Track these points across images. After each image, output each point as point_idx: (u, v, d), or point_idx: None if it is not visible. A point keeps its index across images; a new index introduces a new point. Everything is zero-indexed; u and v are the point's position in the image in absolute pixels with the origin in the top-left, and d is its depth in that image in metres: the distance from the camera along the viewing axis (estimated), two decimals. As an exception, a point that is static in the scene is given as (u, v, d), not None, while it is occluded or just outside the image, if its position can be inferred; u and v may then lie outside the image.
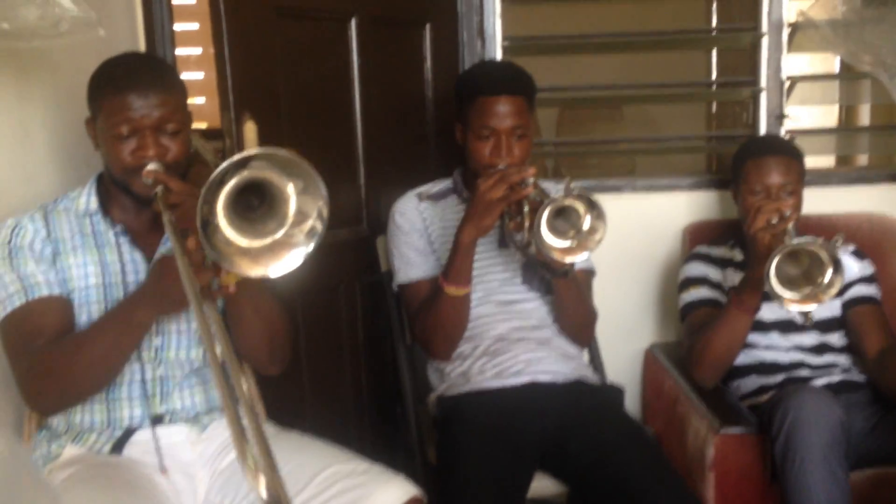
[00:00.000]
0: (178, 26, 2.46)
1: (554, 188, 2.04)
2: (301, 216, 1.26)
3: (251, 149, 1.19)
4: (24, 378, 1.48)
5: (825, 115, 4.62)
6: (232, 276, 1.45)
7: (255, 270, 1.25)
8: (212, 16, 2.05)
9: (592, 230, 1.67)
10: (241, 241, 1.24)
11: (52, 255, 1.53)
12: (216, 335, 1.30)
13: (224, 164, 1.16)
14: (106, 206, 1.60)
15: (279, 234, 1.26)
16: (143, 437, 1.55)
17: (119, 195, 1.59)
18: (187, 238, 1.31)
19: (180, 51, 2.65)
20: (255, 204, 1.28)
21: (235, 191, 1.21)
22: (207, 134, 2.27)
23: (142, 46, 2.18)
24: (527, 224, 1.73)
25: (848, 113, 4.83)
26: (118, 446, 1.54)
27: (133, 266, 1.57)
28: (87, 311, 1.54)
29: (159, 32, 2.21)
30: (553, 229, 1.67)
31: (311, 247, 1.26)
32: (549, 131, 5.11)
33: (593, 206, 1.66)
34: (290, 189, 1.24)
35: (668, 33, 2.83)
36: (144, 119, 1.47)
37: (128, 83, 1.47)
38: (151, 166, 1.47)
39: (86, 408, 1.55)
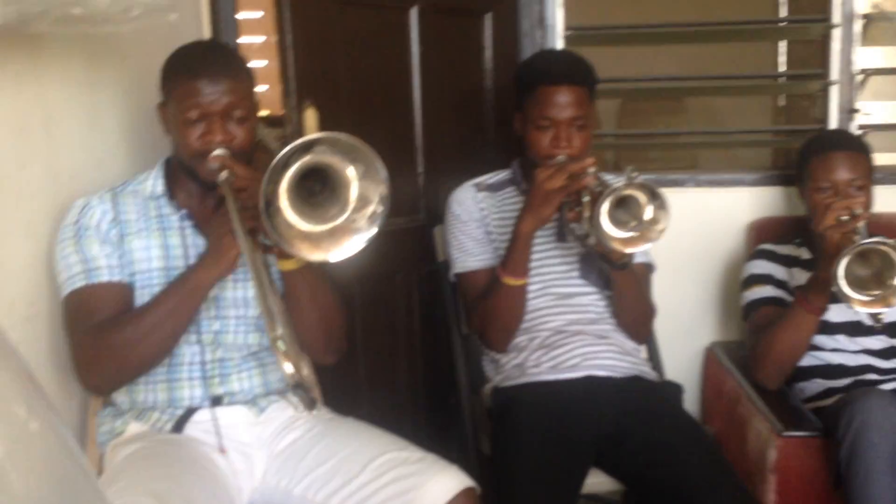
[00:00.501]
0: (243, 15, 2.49)
1: (615, 179, 2.01)
2: (363, 201, 1.27)
3: (316, 133, 1.20)
4: (82, 353, 1.52)
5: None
6: (292, 262, 1.46)
7: (315, 255, 1.26)
8: (275, 4, 2.07)
9: (654, 220, 1.63)
10: (303, 225, 1.25)
11: (117, 237, 1.57)
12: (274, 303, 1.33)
13: (289, 147, 1.17)
14: (172, 190, 1.63)
15: (340, 220, 1.26)
16: (203, 417, 1.57)
17: (185, 180, 1.61)
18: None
19: (245, 39, 2.68)
20: (318, 189, 1.29)
21: (299, 175, 1.22)
22: (269, 122, 2.30)
23: (206, 34, 2.21)
24: (586, 214, 1.70)
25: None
26: (179, 425, 1.57)
27: (195, 251, 1.59)
28: (150, 293, 1.56)
29: (223, 20, 2.23)
30: (614, 219, 1.64)
31: (373, 231, 1.27)
32: (609, 123, 5.04)
33: (656, 196, 1.63)
34: (352, 174, 1.25)
35: (734, 24, 2.76)
36: (213, 105, 1.50)
37: (199, 69, 1.50)
38: (218, 151, 1.49)
39: (148, 387, 1.58)
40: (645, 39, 2.86)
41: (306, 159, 1.20)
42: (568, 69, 1.91)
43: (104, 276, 1.53)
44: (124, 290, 1.55)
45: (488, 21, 2.52)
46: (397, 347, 2.36)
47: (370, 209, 1.27)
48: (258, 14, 4.43)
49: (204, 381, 1.58)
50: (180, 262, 1.58)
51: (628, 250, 1.66)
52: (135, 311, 1.53)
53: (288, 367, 1.10)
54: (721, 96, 4.27)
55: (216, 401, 1.58)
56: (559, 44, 2.58)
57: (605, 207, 1.63)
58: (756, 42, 3.54)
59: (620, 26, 2.72)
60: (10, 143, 1.45)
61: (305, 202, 1.26)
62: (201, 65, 1.51)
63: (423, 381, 2.41)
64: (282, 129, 2.09)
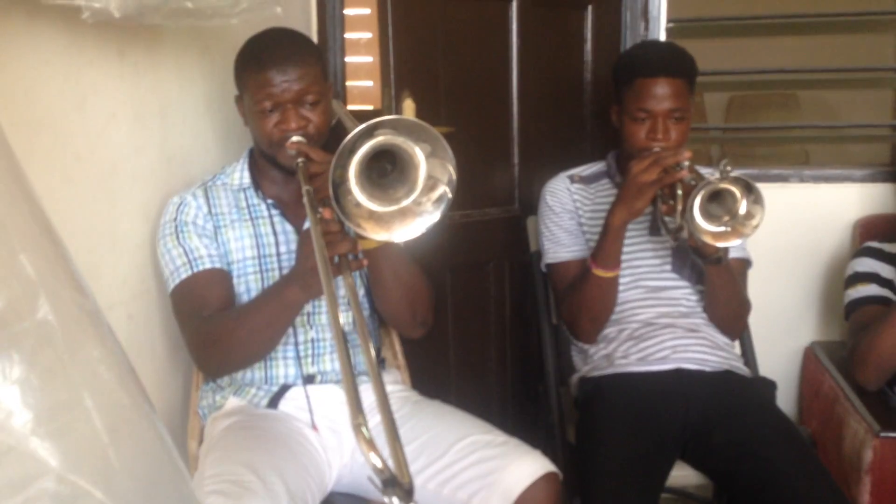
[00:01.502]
0: (350, 11, 2.56)
1: (712, 174, 1.98)
2: (432, 181, 1.29)
3: (377, 118, 1.23)
4: (193, 344, 1.60)
5: None
6: (368, 241, 1.51)
7: (380, 234, 1.30)
8: (378, 1, 2.13)
9: (749, 215, 1.61)
10: (371, 205, 1.28)
11: (213, 229, 1.65)
12: (349, 305, 1.35)
13: (352, 133, 1.21)
14: (257, 180, 1.70)
15: (408, 201, 1.29)
16: (296, 394, 1.64)
17: (268, 169, 1.68)
18: (325, 209, 1.37)
19: (351, 35, 2.76)
20: (389, 170, 1.33)
21: (368, 157, 1.25)
22: (375, 115, 2.36)
23: (314, 28, 2.29)
24: (679, 208, 1.68)
25: None
26: (274, 401, 1.64)
27: (285, 237, 1.66)
28: (245, 281, 1.64)
29: (330, 16, 2.31)
30: (706, 213, 1.62)
31: (437, 216, 1.29)
32: (717, 117, 4.92)
33: (751, 190, 1.60)
34: (420, 155, 1.27)
35: (845, 14, 2.66)
36: (285, 93, 1.55)
37: (268, 60, 1.55)
38: (295, 138, 1.55)
39: None
40: (749, 31, 2.80)
41: (373, 142, 1.24)
42: (666, 60, 1.89)
43: (207, 264, 1.61)
44: (227, 277, 1.64)
45: (590, 13, 2.52)
46: (487, 335, 2.40)
47: (438, 192, 1.29)
48: (365, 11, 4.53)
49: (297, 361, 1.65)
50: (272, 250, 1.65)
51: (720, 244, 1.64)
52: (238, 314, 1.57)
53: (374, 459, 0.93)
54: (834, 90, 4.11)
55: (309, 379, 1.65)
56: (662, 36, 2.55)
57: (698, 201, 1.61)
58: (871, 34, 3.40)
59: (724, 18, 2.66)
60: (127, 129, 1.56)
61: (375, 184, 1.30)
62: (269, 56, 1.56)
63: (512, 370, 2.44)
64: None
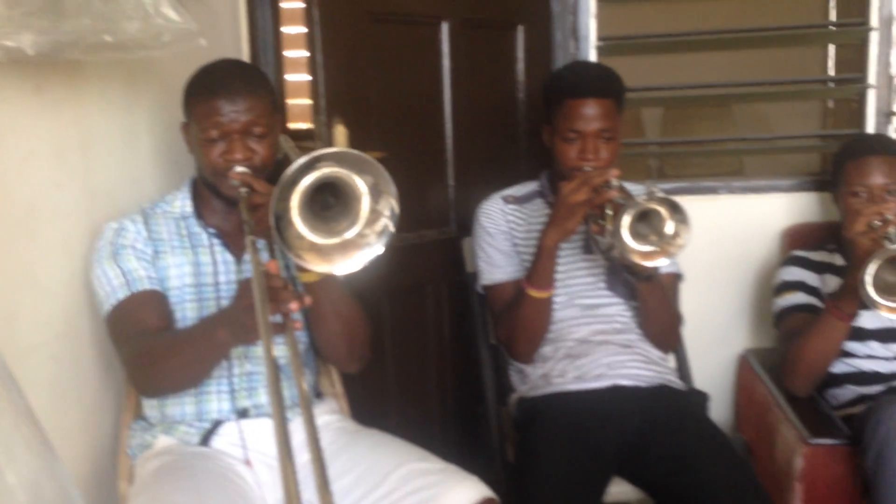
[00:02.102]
0: (290, 29, 2.55)
1: (641, 192, 2.02)
2: (374, 215, 1.30)
3: (319, 150, 1.24)
4: (130, 364, 1.58)
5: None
6: (309, 274, 1.51)
7: (322, 266, 1.30)
8: (306, 22, 2.13)
9: (675, 235, 1.64)
10: (313, 237, 1.28)
11: (152, 254, 1.63)
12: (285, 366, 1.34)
13: (294, 165, 1.21)
14: (199, 209, 1.69)
15: (351, 233, 1.30)
16: (229, 429, 1.62)
17: (210, 198, 1.68)
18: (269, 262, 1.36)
19: (291, 53, 2.75)
20: (332, 202, 1.33)
21: (311, 189, 1.26)
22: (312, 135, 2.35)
23: (245, 51, 2.28)
24: (609, 227, 1.71)
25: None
26: (206, 438, 1.61)
27: (224, 267, 1.66)
28: (182, 309, 1.63)
29: (262, 37, 2.30)
30: (635, 233, 1.65)
31: (381, 248, 1.30)
32: (653, 131, 5.01)
33: (677, 210, 1.63)
34: (363, 187, 1.28)
35: (775, 29, 2.73)
36: (233, 124, 1.55)
37: (218, 89, 1.56)
38: (239, 168, 1.54)
39: (178, 400, 1.63)
40: (676, 48, 2.85)
41: (315, 174, 1.24)
42: (594, 81, 1.92)
43: (146, 285, 1.60)
44: (165, 300, 1.62)
45: (521, 33, 2.54)
46: (427, 358, 2.39)
47: (381, 223, 1.30)
48: (303, 29, 4.52)
49: (231, 395, 1.63)
50: (211, 279, 1.64)
51: (648, 264, 1.67)
52: (170, 342, 1.55)
53: None
54: (763, 102, 4.21)
55: (242, 413, 1.63)
56: (592, 54, 2.59)
57: (626, 221, 1.64)
58: (800, 47, 3.51)
59: (652, 35, 2.71)
60: (48, 165, 1.53)
61: (318, 216, 1.30)
62: (220, 84, 1.56)
63: (452, 392, 2.44)
64: (312, 142, 2.14)
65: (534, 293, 1.88)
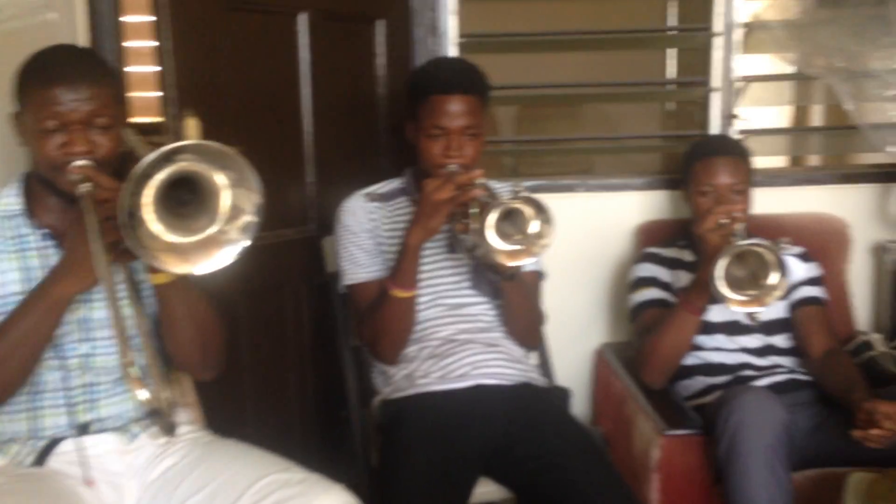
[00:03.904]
0: (132, 18, 2.40)
1: (505, 190, 2.02)
2: (235, 211, 1.23)
3: (177, 142, 1.16)
4: None
5: (779, 115, 4.65)
6: (159, 276, 1.41)
7: (180, 267, 1.22)
8: (153, 9, 2.01)
9: (539, 234, 1.65)
10: (169, 236, 1.20)
11: None
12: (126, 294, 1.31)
13: (150, 157, 1.13)
14: (31, 207, 1.54)
15: (211, 231, 1.23)
16: (67, 447, 1.50)
17: (45, 195, 1.53)
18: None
19: (134, 43, 2.58)
20: (188, 199, 1.25)
21: (165, 185, 1.17)
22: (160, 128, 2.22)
23: (82, 38, 2.11)
24: (474, 226, 1.70)
25: (801, 113, 4.88)
26: (41, 457, 1.49)
27: None
28: None
29: (104, 24, 2.14)
30: (500, 232, 1.65)
31: (245, 242, 1.23)
32: (509, 129, 5.09)
33: (541, 210, 1.64)
34: (223, 182, 1.21)
35: (621, 32, 2.83)
36: (73, 113, 1.41)
37: (56, 76, 1.41)
38: (80, 162, 1.41)
39: (9, 417, 1.50)
40: (538, 47, 2.90)
41: (171, 168, 1.16)
42: (459, 78, 1.91)
43: None
44: None
45: (380, 28, 2.50)
46: (286, 362, 2.31)
47: (243, 220, 1.23)
48: (151, 18, 4.30)
49: (69, 409, 1.50)
50: None
51: (512, 263, 1.67)
52: None
53: (142, 394, 1.01)
54: (612, 102, 4.36)
55: (83, 429, 1.51)
56: (452, 51, 2.59)
57: (491, 220, 1.63)
58: (646, 50, 3.65)
59: (513, 34, 2.74)
60: None
61: (173, 213, 1.22)
62: (59, 71, 1.42)
63: (314, 396, 2.37)
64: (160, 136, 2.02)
65: (398, 293, 1.85)
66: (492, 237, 1.64)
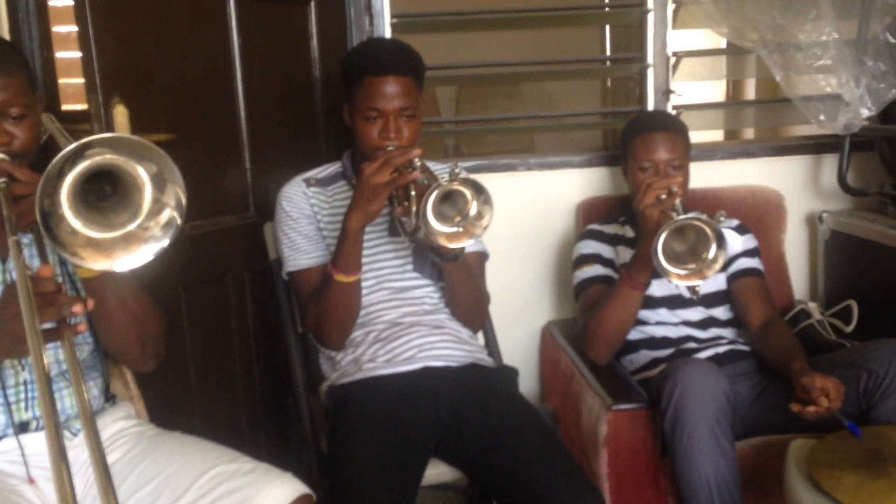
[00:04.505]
0: (58, 1, 2.31)
1: (444, 171, 2.01)
2: (158, 206, 1.19)
3: (89, 136, 1.11)
4: None
5: (714, 90, 4.74)
6: (87, 270, 1.36)
7: (100, 263, 1.17)
8: (75, -9, 1.93)
9: (479, 215, 1.64)
10: (89, 231, 1.16)
11: None
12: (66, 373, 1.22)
13: (60, 154, 1.08)
14: None
15: (132, 226, 1.18)
16: (7, 446, 1.45)
17: None
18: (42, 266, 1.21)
19: (61, 28, 2.48)
20: (109, 192, 1.20)
21: (82, 179, 1.13)
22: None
23: (4, 25, 2.03)
24: (414, 209, 1.68)
25: (735, 88, 4.97)
26: None
27: None
28: None
29: (23, 7, 2.06)
30: (439, 214, 1.64)
31: (166, 241, 1.20)
32: (448, 109, 5.08)
33: (480, 192, 1.63)
34: (143, 175, 1.17)
35: (557, 9, 2.82)
36: None
37: None
38: None
39: None
40: (472, 26, 2.88)
41: (86, 164, 1.11)
42: (394, 59, 1.88)
43: None
44: None
45: (313, 9, 2.45)
46: (231, 351, 2.27)
47: (165, 215, 1.19)
48: (70, 1, 4.16)
49: (7, 408, 1.45)
50: None
51: (453, 245, 1.66)
52: None
53: None
54: (551, 80, 4.38)
55: (23, 427, 1.46)
56: (387, 31, 2.56)
57: (430, 203, 1.61)
58: (584, 27, 3.67)
59: (446, 13, 2.71)
60: None
61: (93, 208, 1.17)
62: None
63: (260, 384, 2.33)
64: (87, 124, 1.95)
65: (340, 278, 1.82)
66: (431, 219, 1.62)
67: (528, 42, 3.61)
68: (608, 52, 3.39)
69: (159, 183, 1.17)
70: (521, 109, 4.91)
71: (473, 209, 1.63)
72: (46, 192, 1.09)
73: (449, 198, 1.64)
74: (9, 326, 1.22)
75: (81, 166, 1.10)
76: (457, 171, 1.59)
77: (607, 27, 3.45)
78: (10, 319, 1.22)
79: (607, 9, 2.99)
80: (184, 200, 1.18)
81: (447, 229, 1.64)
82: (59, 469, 0.93)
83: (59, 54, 2.25)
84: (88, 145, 1.10)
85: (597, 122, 3.31)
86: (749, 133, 4.14)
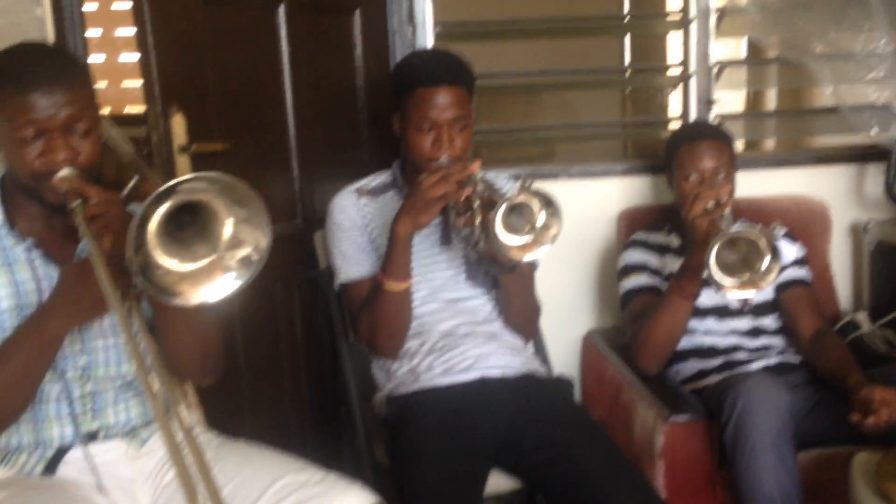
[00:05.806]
0: (90, 7, 2.31)
1: (500, 180, 2.01)
2: (235, 241, 1.21)
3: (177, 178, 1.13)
4: None
5: (736, 100, 4.72)
6: None
7: (198, 296, 1.21)
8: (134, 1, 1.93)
9: (547, 226, 1.64)
10: (180, 267, 1.19)
11: None
12: (142, 340, 1.27)
13: (146, 202, 1.11)
14: (11, 216, 1.46)
15: (214, 256, 1.21)
16: (76, 455, 1.45)
17: (25, 203, 1.44)
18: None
19: (90, 33, 2.49)
20: (188, 221, 1.21)
21: (168, 215, 1.15)
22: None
23: (50, 31, 2.02)
24: (478, 221, 1.68)
25: (755, 98, 4.96)
26: (51, 466, 1.44)
27: (49, 283, 1.43)
28: (2, 337, 1.40)
29: (69, 16, 2.06)
30: (507, 226, 1.64)
31: (247, 275, 1.22)
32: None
33: (549, 203, 1.63)
34: (224, 209, 1.19)
35: (592, 19, 2.83)
36: (51, 120, 1.33)
37: (30, 80, 1.33)
38: (64, 172, 1.34)
39: (12, 429, 1.44)
40: (515, 34, 2.89)
41: (168, 204, 1.14)
42: (446, 69, 1.88)
43: None
44: None
45: (357, 18, 2.46)
46: (280, 358, 2.27)
47: (242, 251, 1.22)
48: (93, 6, 4.16)
49: (73, 418, 1.45)
50: (34, 298, 1.43)
51: (526, 257, 1.66)
52: None
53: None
54: (577, 90, 4.38)
55: (91, 437, 1.47)
56: (429, 40, 2.56)
57: (499, 215, 1.61)
58: (606, 37, 3.67)
59: (491, 22, 2.72)
60: None
61: (176, 239, 1.19)
62: (32, 76, 1.33)
63: (309, 392, 2.33)
64: (132, 128, 1.94)
65: (391, 285, 1.82)
66: (501, 232, 1.62)
67: (547, 52, 3.60)
68: (626, 62, 3.39)
69: (242, 221, 1.20)
70: (541, 119, 4.89)
71: (541, 220, 1.63)
72: (135, 244, 1.11)
73: (515, 209, 1.64)
74: (82, 299, 1.30)
75: (166, 206, 1.13)
76: (527, 183, 1.59)
77: (627, 37, 3.46)
78: (82, 292, 1.29)
79: (640, 19, 3.00)
80: (263, 244, 1.21)
81: (517, 241, 1.64)
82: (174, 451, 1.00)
83: (122, 58, 2.26)
84: (174, 189, 1.12)
85: (619, 133, 3.31)
86: (769, 144, 4.13)
